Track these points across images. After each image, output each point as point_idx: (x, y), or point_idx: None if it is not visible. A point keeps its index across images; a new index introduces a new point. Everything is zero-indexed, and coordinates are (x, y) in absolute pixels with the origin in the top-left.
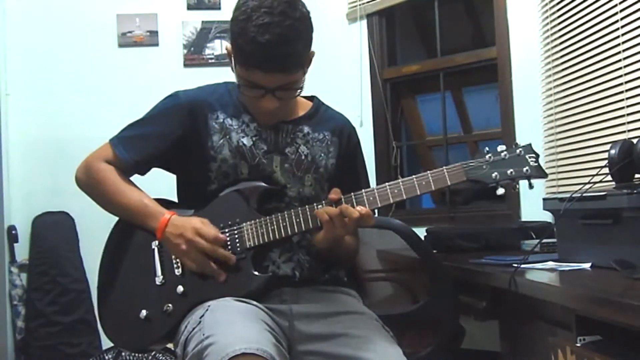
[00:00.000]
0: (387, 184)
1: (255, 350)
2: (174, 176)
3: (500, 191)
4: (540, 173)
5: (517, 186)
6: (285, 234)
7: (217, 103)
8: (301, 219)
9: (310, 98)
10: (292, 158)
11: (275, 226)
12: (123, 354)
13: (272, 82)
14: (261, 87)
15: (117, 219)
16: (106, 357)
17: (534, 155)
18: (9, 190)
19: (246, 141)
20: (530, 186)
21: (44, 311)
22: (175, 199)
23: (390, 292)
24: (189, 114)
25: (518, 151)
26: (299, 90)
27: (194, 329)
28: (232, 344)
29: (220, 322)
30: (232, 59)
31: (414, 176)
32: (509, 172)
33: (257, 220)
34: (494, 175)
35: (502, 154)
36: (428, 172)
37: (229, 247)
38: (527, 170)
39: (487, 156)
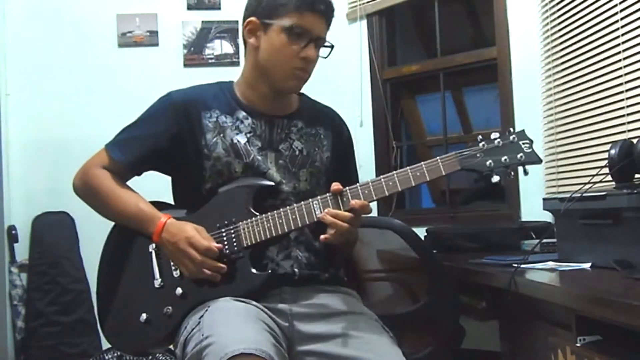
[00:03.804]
0: (381, 176)
1: (254, 350)
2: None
3: (496, 179)
4: (535, 158)
5: (513, 173)
6: (282, 231)
7: (211, 101)
8: (297, 215)
9: (299, 93)
10: (286, 154)
11: (271, 223)
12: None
13: (318, 27)
14: (307, 32)
15: None
16: (106, 357)
17: (527, 141)
18: (9, 190)
19: (240, 138)
20: (525, 172)
21: (44, 311)
22: (172, 201)
23: (390, 292)
24: (184, 113)
25: (512, 138)
26: (329, 50)
27: (193, 329)
28: (231, 344)
29: (219, 323)
30: (262, 24)
31: (408, 167)
32: (503, 159)
33: (253, 218)
34: (488, 163)
35: (496, 142)
36: (422, 162)
37: (226, 247)
38: (521, 156)
39: (480, 144)
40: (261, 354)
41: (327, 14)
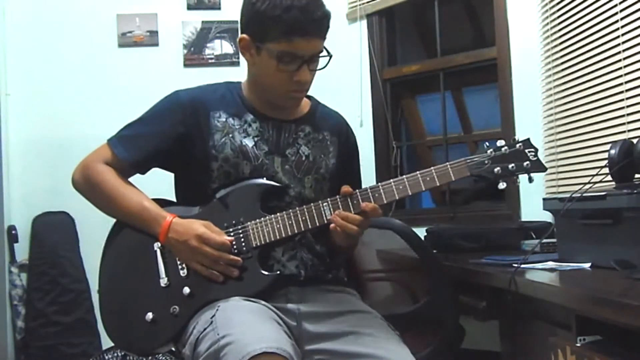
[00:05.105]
0: (391, 180)
1: (275, 349)
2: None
3: (502, 185)
4: (540, 167)
5: (518, 180)
6: (291, 232)
7: (219, 102)
8: (307, 217)
9: (307, 97)
10: (292, 159)
11: (280, 225)
12: (129, 357)
13: (310, 49)
14: (298, 57)
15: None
16: (106, 357)
17: (533, 149)
18: (9, 190)
19: (248, 141)
20: (530, 180)
21: (44, 311)
22: (173, 197)
23: (390, 292)
24: (191, 113)
25: (518, 146)
26: (327, 59)
27: (205, 329)
28: (251, 343)
29: (235, 322)
30: (254, 43)
31: (417, 172)
32: (510, 166)
33: (262, 219)
34: (496, 170)
35: (503, 149)
36: (432, 167)
37: (235, 247)
38: (527, 164)
39: (488, 151)
40: (282, 352)
41: (320, 31)
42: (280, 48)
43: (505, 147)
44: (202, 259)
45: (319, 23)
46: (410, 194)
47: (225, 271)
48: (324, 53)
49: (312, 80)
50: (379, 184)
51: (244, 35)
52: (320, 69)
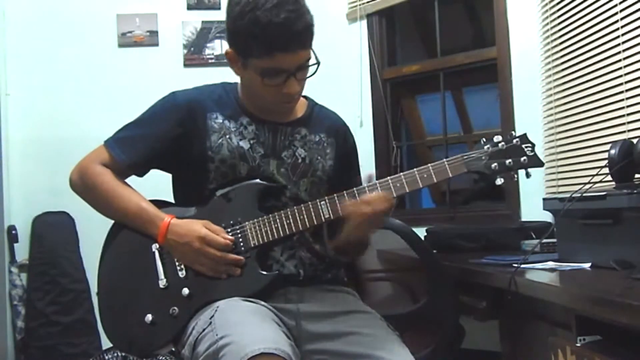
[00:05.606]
0: (389, 177)
1: (274, 350)
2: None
3: (499, 181)
4: (537, 162)
5: (516, 175)
6: (289, 232)
7: (216, 104)
8: (305, 216)
9: (304, 97)
10: (288, 162)
11: (279, 224)
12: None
13: (294, 62)
14: (283, 71)
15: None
16: (106, 357)
17: (530, 144)
18: (9, 190)
19: (243, 144)
20: (528, 175)
21: (44, 311)
22: (171, 198)
23: (390, 292)
24: (188, 114)
25: (515, 141)
26: (315, 67)
27: (204, 329)
28: (250, 344)
29: (233, 322)
30: (239, 58)
31: (415, 169)
32: (507, 162)
33: (260, 218)
34: (493, 165)
35: (500, 145)
36: (429, 164)
37: (233, 247)
38: (524, 159)
39: (485, 147)
40: (281, 353)
41: (303, 43)
42: (264, 65)
43: (502, 143)
44: (205, 260)
45: (301, 35)
46: (407, 191)
47: (229, 271)
48: (313, 60)
49: (303, 88)
50: (377, 181)
51: (229, 50)
52: (309, 77)
